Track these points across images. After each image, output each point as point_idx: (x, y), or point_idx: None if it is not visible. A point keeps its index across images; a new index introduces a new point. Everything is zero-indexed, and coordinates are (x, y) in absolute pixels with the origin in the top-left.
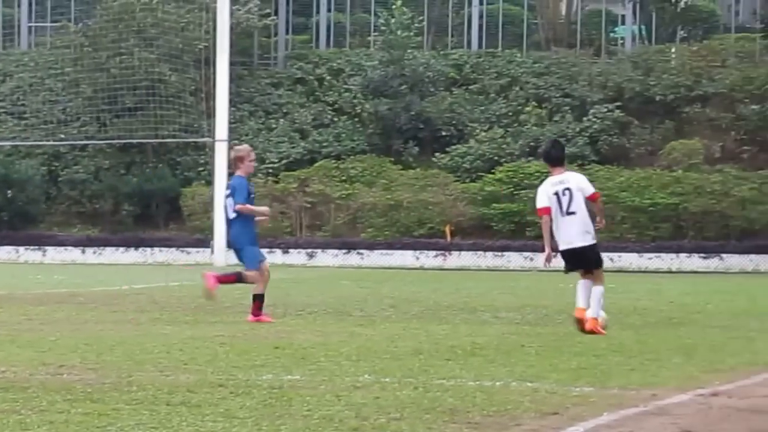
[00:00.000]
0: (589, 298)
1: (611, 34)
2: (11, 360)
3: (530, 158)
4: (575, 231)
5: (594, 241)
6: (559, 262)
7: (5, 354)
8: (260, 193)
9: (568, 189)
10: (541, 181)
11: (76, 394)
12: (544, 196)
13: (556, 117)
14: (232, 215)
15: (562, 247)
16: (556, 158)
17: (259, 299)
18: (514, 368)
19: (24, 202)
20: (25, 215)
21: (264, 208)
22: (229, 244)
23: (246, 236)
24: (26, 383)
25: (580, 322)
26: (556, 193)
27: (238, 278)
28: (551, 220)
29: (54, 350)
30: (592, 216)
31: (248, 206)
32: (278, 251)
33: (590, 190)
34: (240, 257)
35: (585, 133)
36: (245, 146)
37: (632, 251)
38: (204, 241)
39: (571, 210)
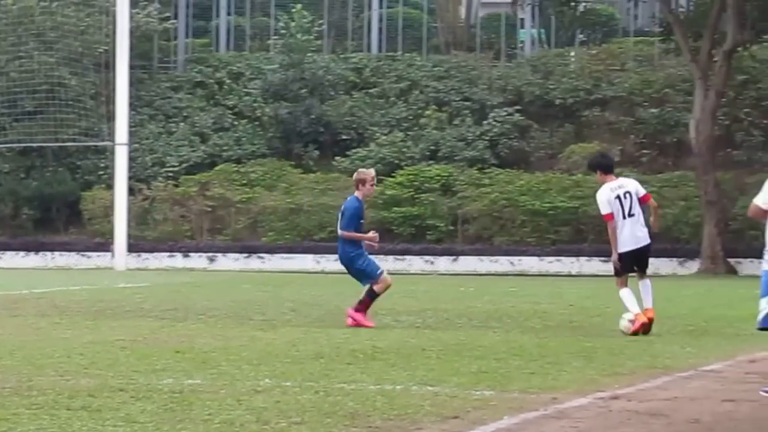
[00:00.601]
0: (638, 301)
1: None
2: None
3: (430, 162)
4: (639, 231)
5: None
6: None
7: None
8: (160, 197)
9: (628, 192)
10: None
11: None
12: (606, 204)
13: (456, 120)
14: (341, 232)
15: (628, 247)
16: (608, 166)
17: (369, 297)
18: (414, 372)
19: None
20: None
21: (370, 235)
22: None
23: (351, 253)
24: None
25: (647, 324)
26: (618, 197)
27: (371, 297)
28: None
29: None
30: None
31: (351, 233)
32: (179, 255)
33: (642, 191)
34: (352, 275)
35: (485, 136)
36: (370, 170)
37: (532, 255)
38: (104, 245)
39: (632, 212)
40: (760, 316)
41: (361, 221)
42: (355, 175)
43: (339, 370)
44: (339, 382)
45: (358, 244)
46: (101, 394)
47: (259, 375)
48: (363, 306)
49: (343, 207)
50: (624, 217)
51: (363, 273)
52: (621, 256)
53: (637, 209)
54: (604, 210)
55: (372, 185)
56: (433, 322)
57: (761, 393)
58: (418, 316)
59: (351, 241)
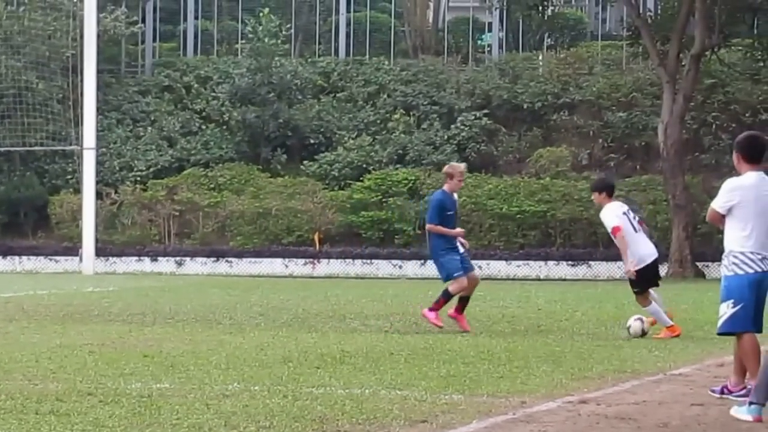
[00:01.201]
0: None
1: (478, 42)
2: None
3: (398, 166)
4: (651, 244)
5: None
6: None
7: None
8: (128, 201)
9: (630, 210)
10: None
11: None
12: (615, 218)
13: (424, 125)
14: (427, 226)
15: (647, 261)
16: (613, 189)
17: (444, 297)
18: (383, 376)
19: None
20: None
21: (456, 231)
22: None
23: (439, 248)
24: None
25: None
26: (625, 213)
27: (446, 297)
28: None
29: None
30: None
31: (436, 227)
32: (147, 259)
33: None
34: (437, 269)
35: (453, 140)
36: (460, 165)
37: (500, 259)
38: (72, 249)
39: (637, 229)
40: (721, 321)
41: (449, 213)
42: (444, 167)
43: (307, 375)
44: (307, 386)
45: (447, 240)
46: (69, 399)
47: (227, 379)
48: (437, 305)
49: (428, 201)
50: (636, 232)
51: (443, 270)
52: (647, 267)
53: (638, 226)
54: (615, 222)
55: (460, 180)
56: (401, 326)
57: (710, 393)
58: (387, 320)
59: (438, 235)
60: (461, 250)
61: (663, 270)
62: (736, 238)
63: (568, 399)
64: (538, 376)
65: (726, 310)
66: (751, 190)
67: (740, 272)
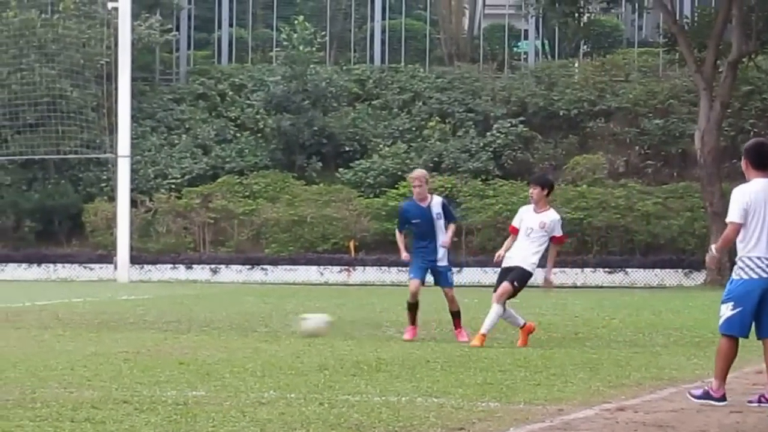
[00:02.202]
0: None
1: (514, 49)
2: None
3: (434, 173)
4: None
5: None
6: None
7: None
8: (162, 208)
9: None
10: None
11: None
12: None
13: (459, 132)
14: None
15: None
16: None
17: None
18: (419, 384)
19: None
20: None
21: (403, 255)
22: None
23: (412, 261)
24: None
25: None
26: None
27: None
28: None
29: None
30: None
31: (398, 238)
32: (181, 267)
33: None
34: None
35: (489, 148)
36: (414, 171)
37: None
38: (107, 257)
39: None
40: (721, 320)
41: (414, 221)
42: None
43: (343, 382)
44: (343, 393)
45: (417, 243)
46: (105, 406)
47: (263, 387)
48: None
49: None
50: None
51: None
52: None
53: None
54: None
55: (416, 186)
56: (437, 333)
57: (747, 404)
58: (422, 327)
59: (414, 247)
60: (440, 253)
61: (701, 277)
62: (744, 242)
63: (605, 406)
64: (575, 383)
65: (725, 311)
66: (758, 195)
67: (746, 277)
